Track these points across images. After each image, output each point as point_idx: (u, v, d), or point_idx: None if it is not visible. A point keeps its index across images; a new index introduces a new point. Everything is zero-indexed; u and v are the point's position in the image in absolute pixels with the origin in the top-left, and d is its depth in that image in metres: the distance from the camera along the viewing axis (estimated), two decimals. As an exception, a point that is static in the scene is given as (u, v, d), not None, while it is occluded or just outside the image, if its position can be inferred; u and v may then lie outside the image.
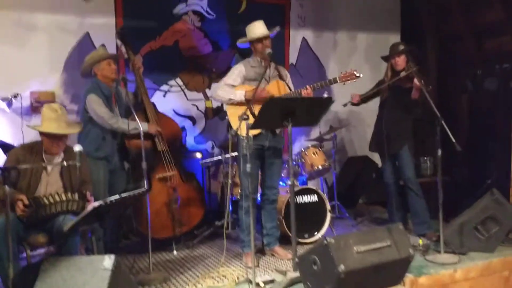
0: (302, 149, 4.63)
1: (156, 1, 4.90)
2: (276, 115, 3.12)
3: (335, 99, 5.77)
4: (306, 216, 4.19)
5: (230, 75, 3.69)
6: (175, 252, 4.05)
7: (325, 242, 2.67)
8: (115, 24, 4.73)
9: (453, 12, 5.87)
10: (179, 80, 5.07)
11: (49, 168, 3.10)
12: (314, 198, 4.25)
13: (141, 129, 3.38)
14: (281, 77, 3.72)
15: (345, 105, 4.35)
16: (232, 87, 3.62)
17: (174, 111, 5.03)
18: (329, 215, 4.27)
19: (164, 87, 5.01)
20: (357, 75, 3.67)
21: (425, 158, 3.96)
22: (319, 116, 3.36)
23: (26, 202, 2.91)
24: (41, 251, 3.55)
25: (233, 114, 3.59)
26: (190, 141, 5.15)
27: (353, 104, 4.34)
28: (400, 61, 4.21)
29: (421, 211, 4.21)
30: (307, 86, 3.58)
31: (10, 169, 2.49)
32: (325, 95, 3.45)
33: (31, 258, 3.03)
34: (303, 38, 5.75)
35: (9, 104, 4.15)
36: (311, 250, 2.85)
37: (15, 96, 4.18)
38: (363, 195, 5.79)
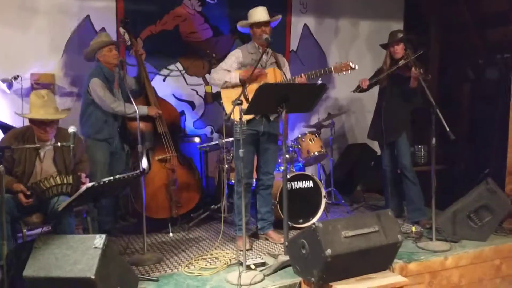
0: (299, 135, 4.65)
1: (157, -15, 4.92)
2: (270, 100, 3.15)
3: (335, 86, 5.95)
4: (301, 201, 4.24)
5: (227, 61, 3.71)
6: (171, 234, 4.12)
7: (313, 226, 2.71)
8: (115, 7, 4.75)
9: (457, 1, 5.82)
10: (179, 65, 5.09)
11: (42, 154, 3.16)
12: (309, 184, 4.28)
13: (137, 112, 3.42)
14: (278, 64, 3.73)
15: (354, 91, 4.35)
16: (228, 72, 3.64)
17: (173, 95, 5.07)
18: (323, 201, 4.31)
19: (164, 72, 5.03)
20: (352, 66, 3.67)
21: (420, 146, 3.97)
22: (313, 102, 3.37)
23: (28, 193, 3.00)
24: (39, 230, 3.62)
25: (227, 98, 3.61)
26: (189, 125, 5.19)
27: (362, 91, 4.35)
28: (399, 49, 4.21)
29: (416, 198, 4.24)
30: (302, 74, 3.60)
31: (4, 149, 2.54)
32: (319, 82, 3.45)
33: (27, 237, 3.11)
34: (305, 24, 5.73)
35: (10, 85, 4.21)
36: (300, 234, 2.89)
37: (15, 78, 4.24)
38: (361, 182, 5.81)
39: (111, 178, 2.91)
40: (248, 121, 3.62)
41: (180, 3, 5.04)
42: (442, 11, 6.08)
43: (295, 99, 3.19)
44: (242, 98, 3.09)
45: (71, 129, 2.85)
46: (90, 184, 2.78)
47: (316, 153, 4.54)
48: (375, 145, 5.68)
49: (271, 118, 3.69)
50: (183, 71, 5.11)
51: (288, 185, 4.15)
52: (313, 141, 4.55)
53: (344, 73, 3.71)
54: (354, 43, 6.11)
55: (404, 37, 4.21)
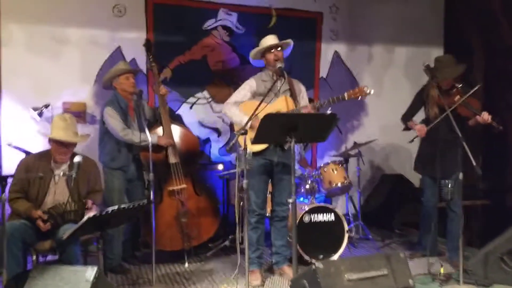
0: (321, 164, 4.50)
1: (187, 17, 5.01)
2: (277, 130, 3.05)
3: (367, 114, 5.73)
4: (322, 235, 4.06)
5: (240, 91, 3.69)
6: (186, 264, 4.06)
7: (313, 267, 2.56)
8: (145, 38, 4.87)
9: (501, 25, 5.49)
10: (206, 93, 5.12)
11: (56, 177, 3.23)
12: (330, 217, 4.10)
13: (150, 140, 3.45)
14: (292, 92, 3.65)
15: (411, 141, 3.99)
16: (239, 105, 3.60)
17: (199, 122, 5.10)
18: (346, 236, 4.10)
19: (191, 100, 5.08)
20: (367, 91, 3.52)
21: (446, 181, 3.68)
22: (326, 132, 3.23)
23: (45, 217, 3.08)
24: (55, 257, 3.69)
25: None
26: (215, 152, 5.17)
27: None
28: (449, 81, 3.93)
29: (458, 236, 3.89)
30: (308, 105, 3.51)
31: (7, 178, 2.62)
32: (329, 112, 3.32)
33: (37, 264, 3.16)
34: (335, 51, 5.63)
35: (40, 113, 4.38)
36: (302, 274, 2.75)
37: (46, 106, 4.42)
38: (397, 216, 5.50)
39: (115, 207, 2.91)
40: (261, 151, 3.55)
41: (208, 34, 5.10)
42: (485, 35, 5.76)
43: (304, 129, 3.07)
44: (247, 127, 3.02)
45: (76, 159, 2.90)
46: (91, 214, 2.79)
47: (339, 184, 4.35)
48: (412, 176, 5.40)
49: (285, 147, 3.58)
50: (210, 99, 5.14)
51: (307, 218, 4.03)
52: (335, 171, 4.38)
53: (359, 99, 3.56)
54: (389, 70, 5.91)
55: (457, 74, 3.88)
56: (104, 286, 2.56)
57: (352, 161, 5.00)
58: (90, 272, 2.46)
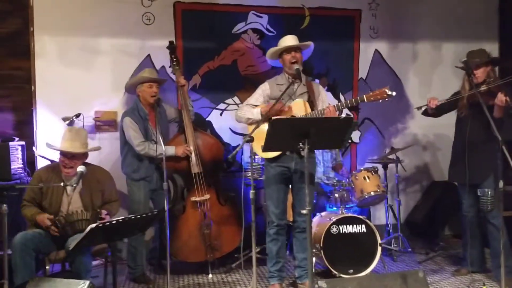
0: (353, 172, 4.19)
1: (216, 21, 4.91)
2: (288, 136, 2.84)
3: (413, 117, 5.31)
4: (352, 248, 3.76)
5: (253, 95, 3.53)
6: (210, 275, 3.94)
7: (316, 286, 2.32)
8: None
9: None
10: (236, 99, 4.99)
11: (68, 188, 3.23)
12: (361, 228, 3.79)
13: (164, 154, 3.43)
14: (310, 95, 3.42)
15: (419, 108, 3.88)
16: (253, 107, 3.43)
17: (230, 129, 4.97)
18: (379, 250, 3.77)
19: (221, 106, 4.97)
20: (389, 93, 3.21)
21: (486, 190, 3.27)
22: (343, 138, 2.97)
23: (48, 223, 3.11)
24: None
25: (259, 138, 3.36)
26: (246, 159, 5.02)
27: (427, 114, 3.86)
28: (479, 73, 3.63)
29: (504, 251, 3.47)
30: (329, 106, 3.24)
31: (6, 189, 2.62)
32: (343, 115, 3.06)
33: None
34: (376, 50, 5.29)
35: (70, 123, 4.46)
36: (309, 291, 2.51)
37: (77, 116, 4.49)
38: (445, 227, 5.05)
39: (121, 218, 2.84)
40: (277, 157, 3.36)
41: (238, 38, 4.98)
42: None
43: (318, 134, 2.84)
44: (253, 134, 2.84)
45: (79, 169, 2.87)
46: (94, 225, 2.73)
47: (372, 193, 4.02)
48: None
49: (303, 153, 3.36)
50: (240, 105, 4.99)
51: (335, 229, 3.77)
52: (368, 179, 4.05)
53: (381, 101, 3.25)
54: (437, 69, 5.46)
55: (485, 60, 3.59)
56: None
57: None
58: (82, 286, 2.39)
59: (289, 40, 3.53)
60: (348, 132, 2.92)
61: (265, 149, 2.95)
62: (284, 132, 2.83)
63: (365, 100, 3.28)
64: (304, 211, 2.87)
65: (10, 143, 4.00)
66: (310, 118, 3.25)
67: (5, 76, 4.52)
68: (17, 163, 4.00)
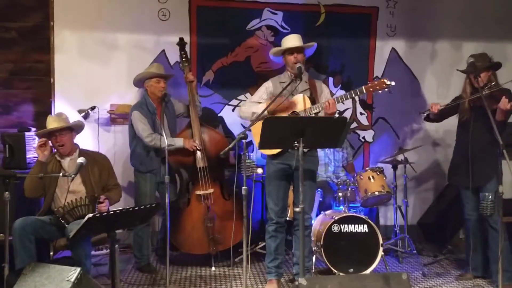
0: (358, 171, 4.17)
1: (230, 18, 4.96)
2: (282, 134, 2.87)
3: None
4: (353, 248, 3.75)
5: (257, 92, 3.56)
6: (213, 268, 4.01)
7: (296, 283, 2.34)
8: (189, 42, 4.90)
9: None
10: (248, 95, 5.02)
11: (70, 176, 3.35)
12: (363, 228, 3.77)
13: (174, 145, 3.58)
14: (312, 92, 3.42)
15: (422, 112, 3.90)
16: (257, 104, 3.46)
17: (242, 125, 5.01)
18: (381, 250, 3.75)
19: (234, 102, 5.02)
20: (388, 83, 3.20)
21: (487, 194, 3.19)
22: (339, 137, 2.97)
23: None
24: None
25: (257, 134, 3.41)
26: (257, 155, 5.05)
27: (430, 120, 3.86)
28: (482, 77, 3.55)
29: (504, 256, 3.41)
30: (329, 99, 3.25)
31: (10, 177, 2.76)
32: (337, 115, 3.04)
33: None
34: (392, 48, 5.21)
35: (86, 116, 4.62)
36: (293, 289, 2.53)
37: (92, 108, 4.65)
38: (457, 230, 4.94)
39: (119, 209, 2.93)
40: (278, 154, 3.39)
41: (252, 34, 5.01)
42: None
43: (313, 133, 2.85)
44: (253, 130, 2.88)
45: (79, 160, 2.98)
46: (91, 214, 2.83)
47: (376, 193, 3.99)
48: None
49: (305, 150, 3.37)
50: (243, 102, 5.03)
51: (336, 227, 3.77)
52: (373, 179, 4.02)
53: (380, 92, 3.23)
54: (456, 67, 5.30)
55: (485, 65, 3.53)
56: (89, 286, 2.59)
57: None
58: (73, 273, 2.50)
59: (292, 41, 3.52)
60: (343, 132, 2.92)
61: (261, 146, 2.99)
62: (278, 131, 2.85)
63: (364, 91, 3.29)
64: (297, 209, 2.90)
65: (26, 133, 4.17)
66: (303, 117, 3.26)
67: (27, 69, 4.73)
68: (33, 153, 4.17)
